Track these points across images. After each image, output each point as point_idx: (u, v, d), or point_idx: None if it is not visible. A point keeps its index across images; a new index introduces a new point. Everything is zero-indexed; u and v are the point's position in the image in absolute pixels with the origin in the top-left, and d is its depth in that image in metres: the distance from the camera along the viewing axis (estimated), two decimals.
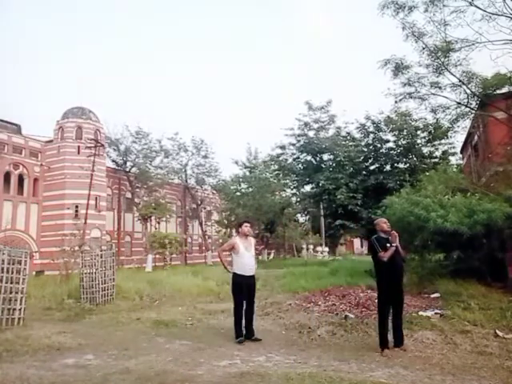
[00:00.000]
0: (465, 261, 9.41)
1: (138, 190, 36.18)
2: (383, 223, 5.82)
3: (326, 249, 34.86)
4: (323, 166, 29.41)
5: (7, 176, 28.82)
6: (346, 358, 5.16)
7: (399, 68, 12.86)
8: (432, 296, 8.66)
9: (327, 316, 7.48)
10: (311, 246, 40.59)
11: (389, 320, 5.60)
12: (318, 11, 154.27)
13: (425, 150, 26.49)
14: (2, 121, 30.84)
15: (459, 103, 13.00)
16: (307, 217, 39.01)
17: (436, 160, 25.90)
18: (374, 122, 26.91)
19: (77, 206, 30.17)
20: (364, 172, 27.14)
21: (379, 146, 27.27)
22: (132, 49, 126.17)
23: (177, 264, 30.54)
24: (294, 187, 33.50)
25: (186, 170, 39.23)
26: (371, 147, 27.51)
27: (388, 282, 5.51)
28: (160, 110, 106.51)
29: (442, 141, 25.30)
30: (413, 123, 25.02)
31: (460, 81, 12.26)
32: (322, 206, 29.27)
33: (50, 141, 32.00)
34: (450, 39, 11.73)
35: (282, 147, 32.30)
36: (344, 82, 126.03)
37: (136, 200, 36.08)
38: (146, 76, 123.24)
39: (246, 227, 6.48)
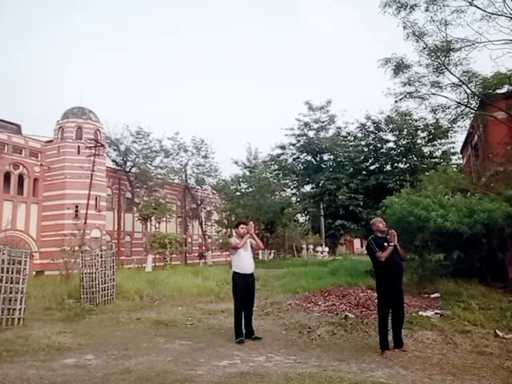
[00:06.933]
0: (465, 261, 9.42)
1: (137, 190, 36.16)
2: (379, 223, 5.74)
3: (326, 249, 34.82)
4: (323, 166, 29.43)
5: (7, 176, 28.79)
6: (345, 358, 5.15)
7: (399, 67, 12.87)
8: (432, 296, 8.66)
9: (327, 316, 7.47)
10: (311, 246, 40.55)
11: (389, 321, 5.58)
12: (319, 10, 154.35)
13: (425, 149, 26.51)
14: (2, 121, 30.80)
15: (459, 103, 13.00)
16: (307, 217, 39.03)
17: (436, 160, 25.92)
18: (374, 122, 26.94)
19: (77, 206, 30.15)
20: (364, 172, 27.16)
21: (379, 145, 27.29)
22: (132, 49, 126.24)
23: (177, 264, 30.54)
24: (294, 187, 33.55)
25: (186, 170, 39.20)
26: (371, 147, 27.54)
27: (387, 282, 5.45)
28: (160, 109, 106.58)
29: (443, 140, 25.33)
30: (413, 123, 25.04)
31: (460, 80, 12.26)
32: (322, 206, 29.27)
33: (50, 141, 31.97)
34: (451, 39, 11.75)
35: (282, 147, 32.35)
36: (344, 81, 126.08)
37: (136, 200, 36.06)
38: (147, 76, 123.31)
39: (242, 229, 6.54)
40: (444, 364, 4.88)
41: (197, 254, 36.82)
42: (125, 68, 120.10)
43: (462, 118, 13.86)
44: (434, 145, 26.24)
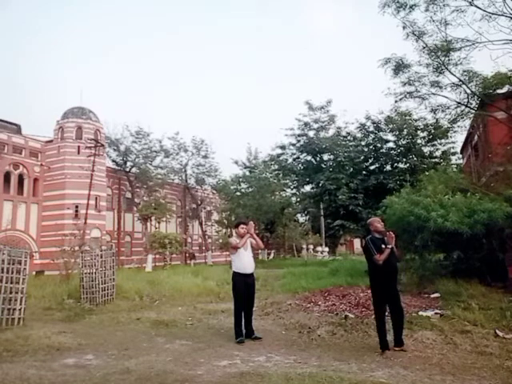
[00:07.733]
0: (465, 261, 9.41)
1: (138, 190, 36.18)
2: (377, 223, 5.59)
3: (326, 249, 34.84)
4: (323, 166, 29.40)
5: (7, 176, 28.80)
6: (345, 358, 5.15)
7: (399, 67, 12.89)
8: (432, 296, 8.66)
9: (327, 316, 7.47)
10: (311, 246, 40.58)
11: (388, 321, 5.57)
12: (319, 10, 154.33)
13: (425, 149, 26.50)
14: (2, 121, 30.81)
15: (459, 103, 13.01)
16: (307, 217, 39.02)
17: (436, 160, 25.92)
18: (374, 122, 26.92)
19: (77, 206, 30.16)
20: (364, 172, 27.15)
21: (379, 145, 27.27)
22: (132, 48, 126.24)
23: (177, 264, 30.55)
24: (294, 187, 33.50)
25: (186, 170, 39.25)
26: (371, 147, 27.52)
27: (382, 282, 5.40)
28: (161, 109, 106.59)
29: (443, 140, 25.32)
30: (413, 123, 25.03)
31: (460, 80, 12.27)
32: (321, 206, 29.26)
33: (50, 141, 31.98)
34: (450, 39, 11.76)
35: (282, 147, 32.30)
36: (344, 81, 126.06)
37: (136, 200, 36.09)
38: (147, 76, 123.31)
39: (242, 229, 6.52)
40: (444, 364, 4.87)
41: (193, 255, 36.97)
42: (125, 68, 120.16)
43: (462, 118, 13.87)
44: (433, 145, 26.23)
